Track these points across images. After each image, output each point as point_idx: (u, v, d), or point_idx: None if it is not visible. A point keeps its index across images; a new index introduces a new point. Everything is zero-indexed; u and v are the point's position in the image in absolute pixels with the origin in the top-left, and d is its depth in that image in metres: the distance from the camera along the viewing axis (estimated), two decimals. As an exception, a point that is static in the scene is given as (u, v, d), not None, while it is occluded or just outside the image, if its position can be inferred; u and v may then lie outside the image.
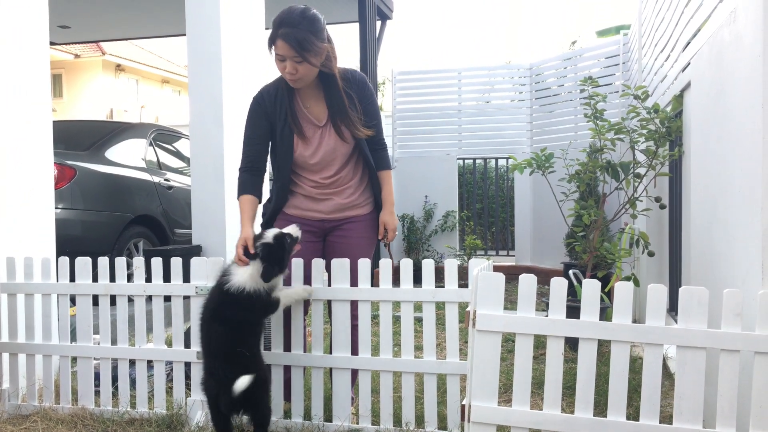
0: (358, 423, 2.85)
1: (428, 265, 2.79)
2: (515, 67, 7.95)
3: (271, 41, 2.70)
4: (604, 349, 3.39)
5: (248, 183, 2.91)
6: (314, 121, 2.89)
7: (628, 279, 3.95)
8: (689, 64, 3.24)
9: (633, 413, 2.52)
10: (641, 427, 2.01)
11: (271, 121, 2.89)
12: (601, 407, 2.24)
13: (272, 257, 2.60)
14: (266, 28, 5.58)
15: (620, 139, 4.14)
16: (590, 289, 2.08)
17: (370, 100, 2.94)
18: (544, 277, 6.22)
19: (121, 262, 3.13)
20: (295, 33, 2.64)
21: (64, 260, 3.17)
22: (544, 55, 8.78)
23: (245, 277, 2.60)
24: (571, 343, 2.16)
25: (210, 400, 2.62)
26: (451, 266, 2.77)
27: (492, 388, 2.10)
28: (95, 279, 3.16)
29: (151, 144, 6.08)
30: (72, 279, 3.15)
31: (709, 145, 2.76)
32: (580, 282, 4.22)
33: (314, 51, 2.69)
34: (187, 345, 3.03)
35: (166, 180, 6.00)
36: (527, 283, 2.13)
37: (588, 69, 6.84)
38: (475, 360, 2.11)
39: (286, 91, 2.86)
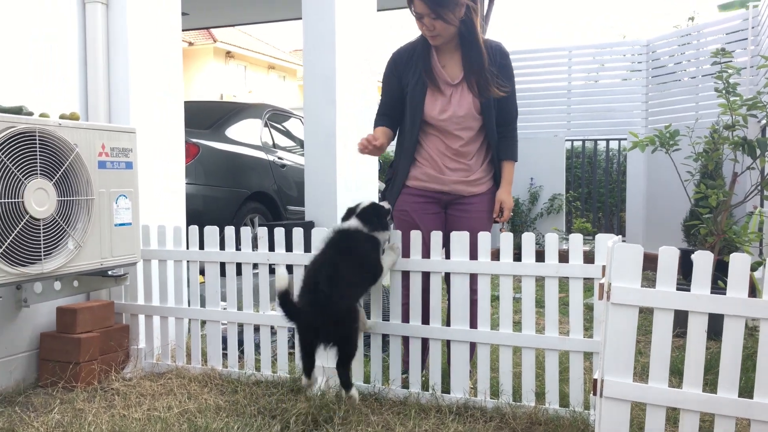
0: (476, 396, 2.84)
1: (552, 239, 2.73)
2: (630, 44, 7.61)
3: (409, 0, 2.73)
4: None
5: (383, 121, 2.99)
6: (448, 79, 2.89)
7: (759, 264, 3.70)
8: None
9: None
10: (793, 412, 1.88)
11: (403, 80, 2.91)
12: (740, 391, 2.12)
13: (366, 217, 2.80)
14: (378, 10, 5.64)
15: (754, 116, 3.87)
16: (739, 263, 1.96)
17: (508, 73, 2.90)
18: (657, 265, 5.93)
19: (246, 232, 3.26)
20: None
21: (194, 229, 3.34)
22: (661, 32, 8.39)
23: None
24: (711, 332, 2.04)
25: (300, 327, 2.69)
26: (576, 240, 2.70)
27: (627, 363, 2.03)
28: (222, 248, 3.32)
29: (266, 124, 6.29)
30: (201, 247, 3.32)
31: None
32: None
33: (450, 6, 2.68)
34: (309, 313, 3.12)
35: (279, 158, 6.19)
36: (668, 255, 2.03)
37: (709, 45, 6.47)
38: (609, 334, 2.04)
39: (423, 48, 2.87)
